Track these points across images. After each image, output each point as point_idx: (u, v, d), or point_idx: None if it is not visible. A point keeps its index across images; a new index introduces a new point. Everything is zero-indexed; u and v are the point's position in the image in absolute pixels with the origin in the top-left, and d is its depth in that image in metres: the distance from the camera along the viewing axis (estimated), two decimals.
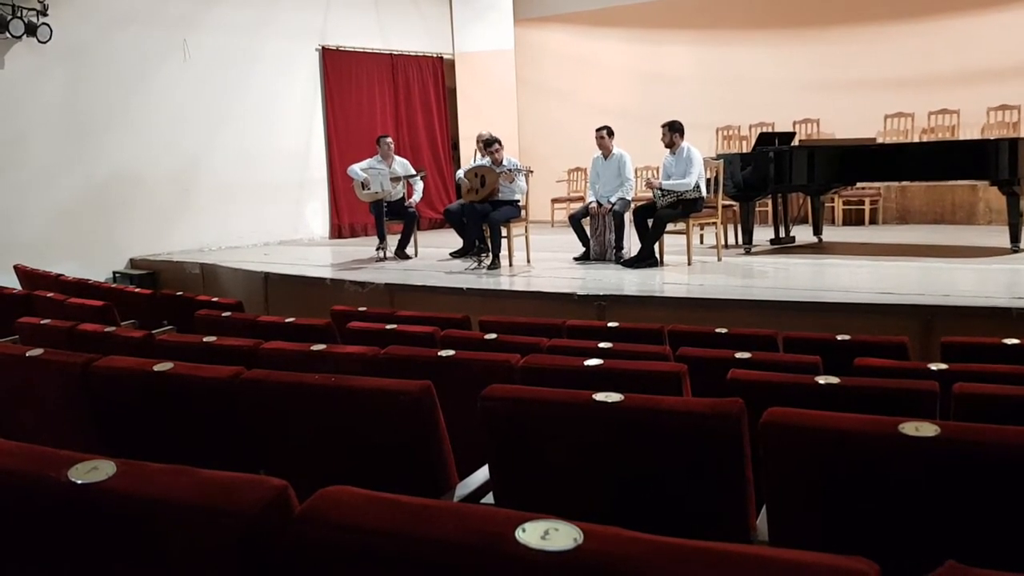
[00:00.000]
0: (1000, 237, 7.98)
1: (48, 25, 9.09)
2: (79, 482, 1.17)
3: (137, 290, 6.94)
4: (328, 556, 1.05)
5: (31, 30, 8.96)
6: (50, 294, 5.66)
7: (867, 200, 11.06)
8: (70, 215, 9.55)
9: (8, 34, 8.82)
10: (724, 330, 4.06)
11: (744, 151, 11.07)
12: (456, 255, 8.94)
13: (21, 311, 4.98)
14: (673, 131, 7.90)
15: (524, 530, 0.98)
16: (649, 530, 0.99)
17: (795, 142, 9.56)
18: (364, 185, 9.09)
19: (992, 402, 2.24)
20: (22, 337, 4.02)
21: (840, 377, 2.46)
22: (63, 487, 1.18)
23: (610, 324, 4.38)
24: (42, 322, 4.00)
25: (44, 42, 9.12)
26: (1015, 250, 7.56)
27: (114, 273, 9.94)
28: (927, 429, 1.61)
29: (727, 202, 8.72)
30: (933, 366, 2.94)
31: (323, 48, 12.24)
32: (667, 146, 7.91)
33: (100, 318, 4.68)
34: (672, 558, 0.93)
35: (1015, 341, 3.53)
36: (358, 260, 9.15)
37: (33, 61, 9.21)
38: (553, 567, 0.94)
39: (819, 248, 8.87)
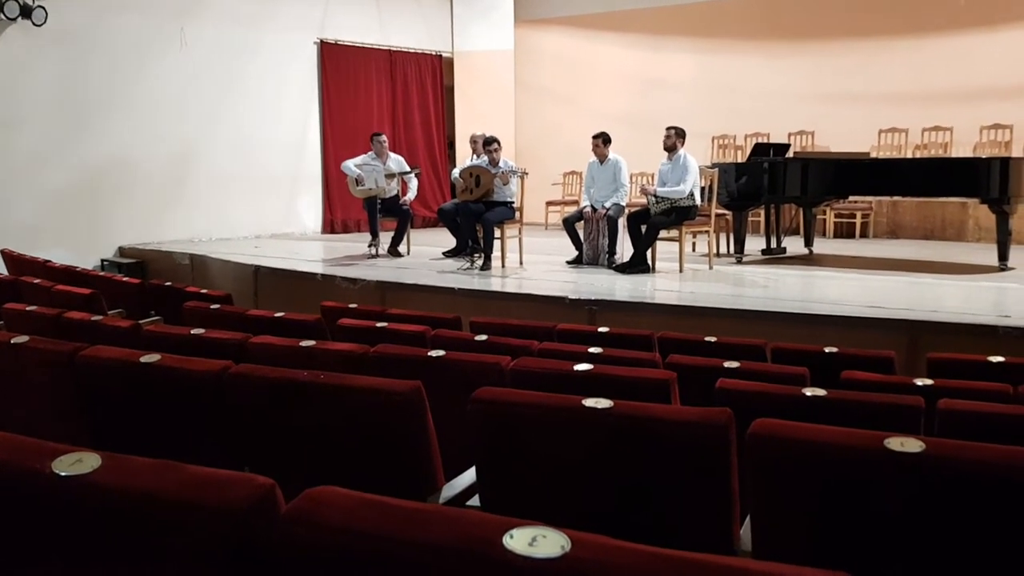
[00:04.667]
0: (989, 255, 8.01)
1: (43, 8, 9.06)
2: (63, 474, 1.17)
3: (125, 279, 6.91)
4: (314, 557, 1.04)
5: (26, 12, 8.92)
6: (37, 280, 5.63)
7: (859, 213, 11.10)
8: (60, 201, 9.51)
9: (3, 16, 8.79)
10: (713, 339, 4.07)
11: (739, 161, 11.11)
12: (449, 254, 8.94)
13: (7, 297, 4.96)
14: (679, 136, 7.91)
15: (512, 536, 0.98)
16: (634, 537, 0.99)
17: (790, 154, 9.59)
18: (358, 181, 9.08)
19: (977, 419, 2.25)
20: (7, 323, 4.01)
21: (827, 389, 2.47)
22: (46, 479, 1.17)
23: (601, 329, 4.38)
24: (28, 308, 3.98)
25: (39, 25, 9.08)
26: (1003, 268, 7.60)
27: (102, 261, 9.90)
28: (912, 445, 1.62)
29: (720, 211, 8.74)
30: (919, 381, 2.95)
31: (321, 41, 12.22)
32: (668, 149, 7.90)
33: (87, 306, 4.66)
34: (658, 568, 0.93)
35: (1000, 359, 3.55)
36: (350, 256, 9.14)
37: (27, 44, 9.17)
38: (540, 574, 0.94)
39: (809, 260, 8.89)
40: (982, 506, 1.58)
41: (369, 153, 9.32)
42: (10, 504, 1.22)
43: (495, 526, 1.00)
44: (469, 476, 2.20)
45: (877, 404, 2.42)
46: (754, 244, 9.26)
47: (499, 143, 8.59)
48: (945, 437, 2.04)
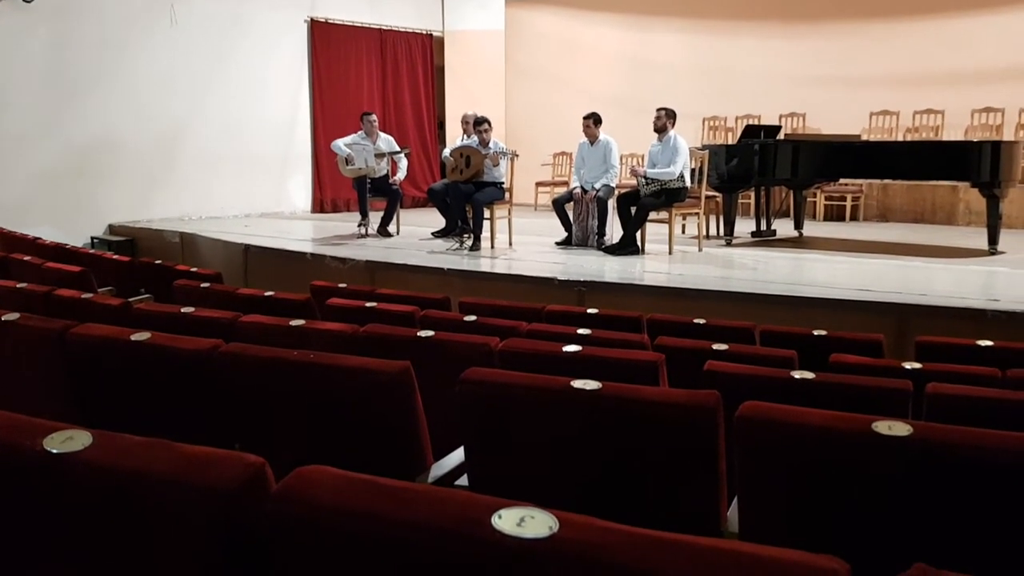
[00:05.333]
0: (978, 239, 8.05)
1: None
2: (54, 451, 1.17)
3: (115, 257, 6.88)
4: (305, 536, 1.05)
5: None
6: (27, 257, 5.60)
7: (849, 196, 11.12)
8: (50, 178, 9.44)
9: None
10: (702, 321, 4.08)
11: (730, 142, 11.10)
12: (438, 235, 8.92)
13: None
14: (669, 117, 7.90)
15: (500, 516, 0.98)
16: (621, 518, 1.00)
17: (781, 136, 9.58)
18: (348, 161, 9.05)
19: (964, 403, 2.27)
20: None
21: (815, 372, 2.48)
22: (38, 456, 1.17)
23: (589, 310, 4.39)
24: (18, 285, 3.96)
25: (29, 1, 8.98)
26: (992, 252, 7.63)
27: (92, 239, 9.85)
28: (900, 428, 1.63)
29: (710, 193, 8.74)
30: (907, 365, 2.96)
31: (312, 20, 12.13)
32: (659, 131, 7.89)
33: (77, 284, 4.64)
34: (646, 549, 0.94)
35: (989, 343, 3.57)
36: (339, 236, 9.11)
37: (17, 19, 9.07)
38: (528, 554, 0.94)
39: (799, 242, 8.91)
40: (969, 490, 1.59)
41: (359, 133, 9.28)
42: (1, 480, 1.21)
43: (483, 506, 1.00)
44: (457, 456, 2.21)
45: (865, 387, 2.43)
46: (744, 226, 9.28)
47: (489, 123, 8.58)
48: (933, 421, 2.05)
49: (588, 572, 0.93)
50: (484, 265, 7.25)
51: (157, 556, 1.13)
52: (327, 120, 12.14)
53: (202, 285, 4.60)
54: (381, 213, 9.18)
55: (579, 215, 8.27)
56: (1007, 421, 1.96)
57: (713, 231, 9.34)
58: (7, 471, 1.21)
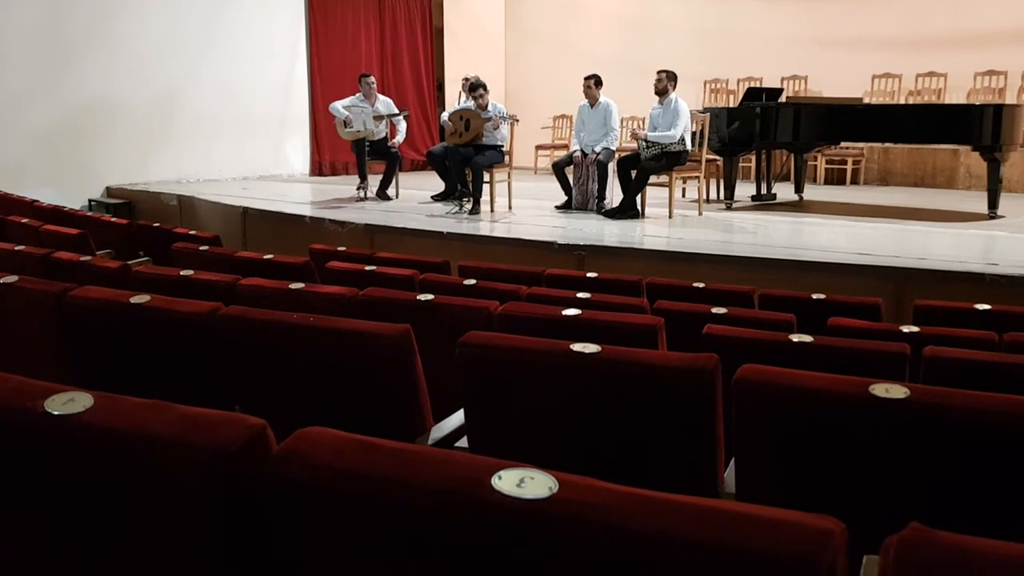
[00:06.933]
0: (978, 203, 8.03)
1: None
2: (56, 413, 1.17)
3: (113, 219, 6.86)
4: (305, 496, 1.06)
5: None
6: (24, 220, 5.59)
7: (850, 160, 11.08)
8: (46, 140, 9.37)
9: None
10: (701, 284, 4.08)
11: (731, 105, 11.03)
12: (437, 198, 8.90)
13: None
14: (670, 79, 7.84)
15: (500, 477, 0.99)
16: (620, 480, 1.00)
17: (782, 99, 9.52)
18: (346, 123, 8.99)
19: (961, 367, 2.28)
20: None
21: (813, 336, 2.48)
22: (39, 418, 1.17)
23: (589, 274, 4.39)
24: (16, 248, 3.96)
25: None
26: (992, 216, 7.62)
27: (90, 201, 9.81)
28: (897, 391, 1.64)
29: (711, 156, 8.70)
30: (905, 328, 2.97)
31: None
32: (660, 93, 7.83)
33: (75, 246, 4.64)
34: (644, 510, 0.95)
35: (987, 307, 3.58)
36: (338, 199, 9.08)
37: None
38: (528, 514, 0.95)
39: (799, 206, 8.90)
40: (964, 452, 1.60)
41: (357, 95, 9.21)
42: (2, 442, 1.22)
43: (483, 467, 1.01)
44: (457, 419, 2.22)
45: (863, 351, 2.44)
46: (744, 190, 9.25)
47: (485, 88, 8.46)
48: (930, 384, 2.06)
49: (587, 532, 0.94)
50: (483, 229, 7.24)
51: (158, 516, 1.14)
52: (325, 82, 12.04)
53: (201, 248, 4.60)
54: (380, 176, 9.14)
55: (579, 179, 8.24)
56: (1004, 384, 1.97)
57: (713, 195, 9.31)
58: (8, 433, 1.22)
